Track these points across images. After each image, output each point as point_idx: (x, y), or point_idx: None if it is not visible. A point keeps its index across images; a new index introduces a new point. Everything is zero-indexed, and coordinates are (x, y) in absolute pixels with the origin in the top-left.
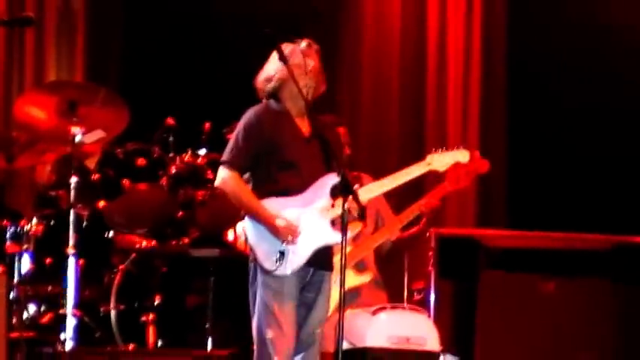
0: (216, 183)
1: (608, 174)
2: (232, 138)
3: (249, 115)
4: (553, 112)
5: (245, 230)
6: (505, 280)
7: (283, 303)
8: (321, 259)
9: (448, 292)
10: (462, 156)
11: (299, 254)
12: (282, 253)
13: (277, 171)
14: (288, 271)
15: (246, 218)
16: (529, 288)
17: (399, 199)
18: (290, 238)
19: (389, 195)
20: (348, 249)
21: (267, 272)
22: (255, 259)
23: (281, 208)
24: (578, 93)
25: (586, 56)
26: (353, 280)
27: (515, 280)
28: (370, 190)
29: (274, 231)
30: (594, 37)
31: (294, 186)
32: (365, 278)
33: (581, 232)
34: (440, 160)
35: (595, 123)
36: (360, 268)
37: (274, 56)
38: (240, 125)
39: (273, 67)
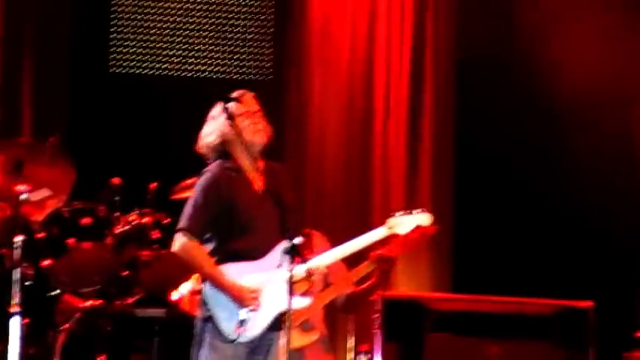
0: (174, 249)
1: (552, 239)
2: (189, 202)
3: (206, 177)
4: (500, 177)
5: (203, 293)
6: (451, 343)
7: None
8: (276, 322)
9: (394, 354)
10: (423, 219)
11: (260, 320)
12: (242, 320)
13: (234, 234)
14: (248, 339)
15: (204, 284)
16: (475, 351)
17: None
18: (254, 307)
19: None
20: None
21: (220, 336)
22: (207, 319)
23: (241, 274)
24: (525, 158)
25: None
26: (298, 340)
27: (461, 344)
28: (330, 257)
29: (237, 299)
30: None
31: (251, 249)
32: (310, 338)
33: (526, 297)
34: (401, 224)
35: (540, 188)
36: (305, 327)
37: (214, 116)
38: (198, 189)
39: (215, 126)
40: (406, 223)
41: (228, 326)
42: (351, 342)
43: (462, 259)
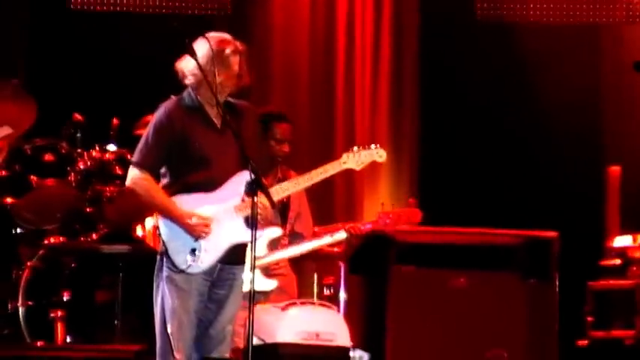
0: (127, 183)
1: (517, 170)
2: (143, 137)
3: (159, 113)
4: (464, 109)
5: (158, 226)
6: (416, 276)
7: (185, 299)
8: (233, 255)
9: (358, 287)
10: (378, 156)
11: (211, 252)
12: (193, 251)
13: (190, 167)
14: (200, 269)
15: (158, 215)
16: (440, 283)
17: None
18: (203, 234)
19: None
20: (263, 253)
21: (175, 268)
22: (165, 253)
23: (194, 205)
24: (489, 92)
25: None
26: (259, 284)
27: (426, 275)
28: (284, 189)
29: (187, 228)
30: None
31: (206, 182)
32: (270, 285)
33: (491, 228)
34: (355, 159)
35: (505, 122)
36: (268, 272)
37: (195, 51)
38: (151, 124)
39: (188, 65)
40: (361, 158)
41: (179, 256)
42: (314, 275)
43: (427, 191)
